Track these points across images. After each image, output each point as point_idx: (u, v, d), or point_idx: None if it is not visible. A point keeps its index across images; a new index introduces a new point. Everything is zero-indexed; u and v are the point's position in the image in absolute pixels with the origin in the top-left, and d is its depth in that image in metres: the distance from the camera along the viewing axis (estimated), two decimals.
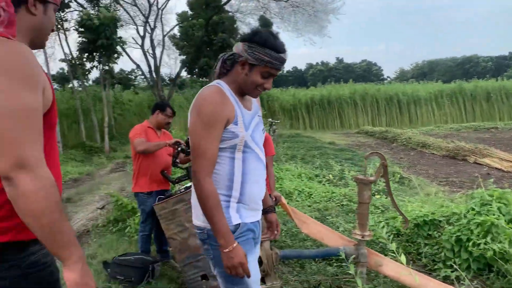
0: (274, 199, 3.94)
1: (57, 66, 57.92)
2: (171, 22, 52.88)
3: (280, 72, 1.85)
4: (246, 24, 22.94)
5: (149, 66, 19.07)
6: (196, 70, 28.02)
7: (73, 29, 15.08)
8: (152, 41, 19.69)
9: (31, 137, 1.08)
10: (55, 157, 1.32)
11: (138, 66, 20.41)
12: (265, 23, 22.98)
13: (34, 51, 1.33)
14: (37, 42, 1.37)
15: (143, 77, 28.60)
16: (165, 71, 52.88)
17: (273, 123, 14.35)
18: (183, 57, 23.99)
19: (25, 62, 1.12)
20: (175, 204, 3.46)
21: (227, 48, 31.87)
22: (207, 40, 20.84)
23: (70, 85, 21.34)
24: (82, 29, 13.66)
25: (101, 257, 4.34)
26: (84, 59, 15.69)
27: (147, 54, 19.40)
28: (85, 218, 6.11)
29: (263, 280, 3.06)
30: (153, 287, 3.60)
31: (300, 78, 66.82)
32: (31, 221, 1.08)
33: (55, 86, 26.08)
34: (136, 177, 3.94)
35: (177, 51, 25.99)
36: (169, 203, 3.47)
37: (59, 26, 15.60)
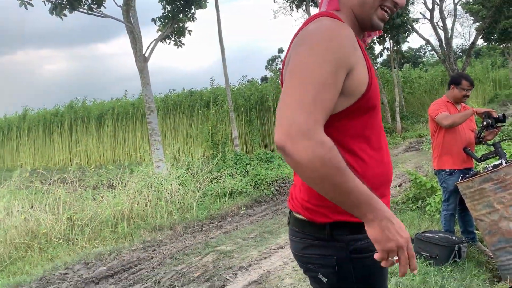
0: None
1: None
2: None
3: None
4: None
5: (440, 39, 17.91)
6: (495, 35, 24.52)
7: None
8: (441, 12, 18.40)
9: (310, 108, 1.01)
10: (380, 137, 1.29)
11: (427, 42, 19.51)
12: None
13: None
14: (365, 19, 1.24)
15: (432, 52, 27.32)
16: (456, 42, 48.72)
17: None
18: (478, 23, 21.42)
19: (331, 40, 1.07)
20: (482, 183, 3.23)
21: None
22: None
23: None
24: None
25: None
26: (375, 42, 16.28)
27: (437, 27, 18.29)
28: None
29: None
30: (460, 268, 3.47)
31: None
32: (315, 187, 1.06)
33: None
34: (438, 154, 3.84)
35: (471, 18, 23.45)
36: (475, 182, 3.27)
37: None
